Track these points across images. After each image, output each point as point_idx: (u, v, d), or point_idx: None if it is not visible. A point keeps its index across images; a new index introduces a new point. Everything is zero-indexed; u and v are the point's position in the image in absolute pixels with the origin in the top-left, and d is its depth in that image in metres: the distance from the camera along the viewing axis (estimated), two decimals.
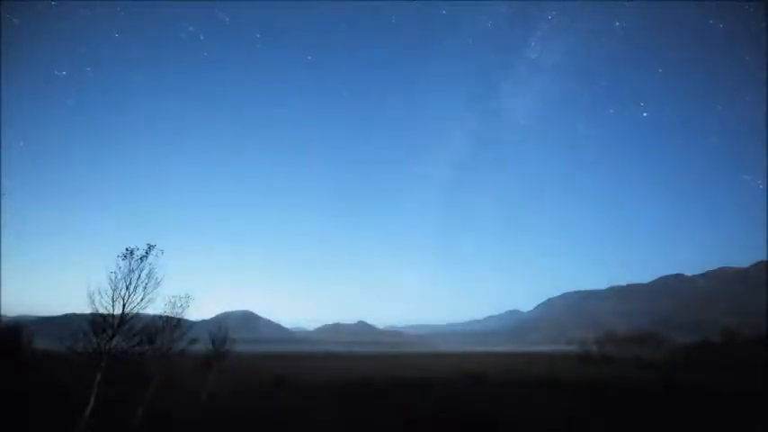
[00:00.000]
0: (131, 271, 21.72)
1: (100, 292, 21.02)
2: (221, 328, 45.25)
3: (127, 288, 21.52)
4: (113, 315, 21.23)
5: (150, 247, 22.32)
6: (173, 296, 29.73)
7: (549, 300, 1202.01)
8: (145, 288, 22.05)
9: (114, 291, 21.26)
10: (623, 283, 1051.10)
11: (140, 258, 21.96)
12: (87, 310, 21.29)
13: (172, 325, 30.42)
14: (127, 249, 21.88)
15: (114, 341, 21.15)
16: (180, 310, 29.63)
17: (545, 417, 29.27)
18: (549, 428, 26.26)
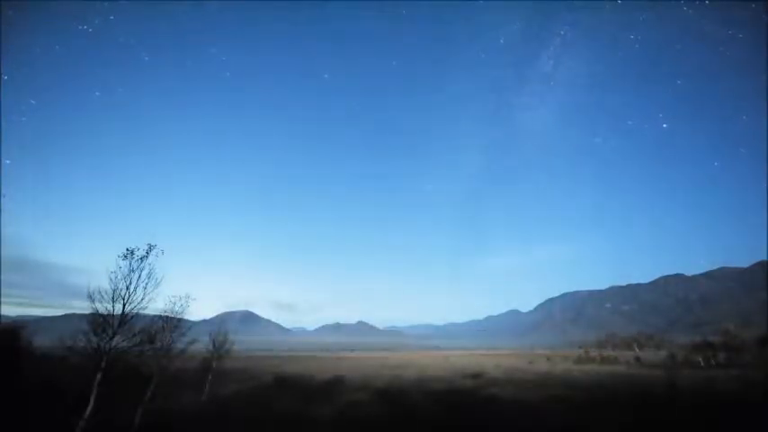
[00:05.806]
0: (131, 271, 21.70)
1: (100, 292, 21.02)
2: (221, 328, 45.42)
3: (127, 288, 21.52)
4: (113, 315, 21.24)
5: (150, 247, 22.29)
6: (173, 296, 29.77)
7: (549, 300, 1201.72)
8: (145, 288, 22.02)
9: (114, 291, 21.24)
10: (623, 283, 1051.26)
11: (140, 258, 21.94)
12: (87, 310, 21.29)
13: (172, 325, 30.42)
14: (127, 249, 21.87)
15: (114, 341, 21.15)
16: (180, 310, 29.62)
17: (544, 418, 29.24)
18: (549, 430, 26.23)
